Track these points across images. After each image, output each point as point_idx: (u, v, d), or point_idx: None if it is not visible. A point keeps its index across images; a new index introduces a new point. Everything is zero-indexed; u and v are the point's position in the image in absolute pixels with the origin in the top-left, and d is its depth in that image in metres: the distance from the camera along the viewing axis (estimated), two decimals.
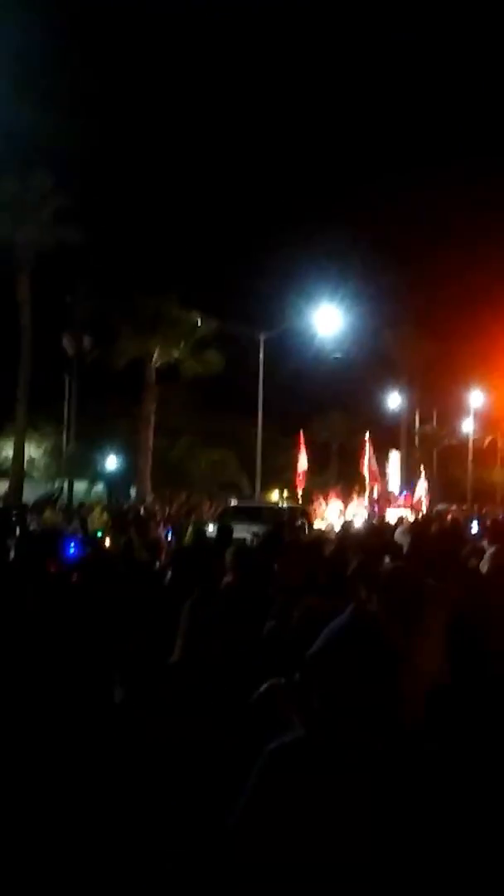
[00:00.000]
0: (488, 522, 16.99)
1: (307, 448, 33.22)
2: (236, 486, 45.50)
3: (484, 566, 8.70)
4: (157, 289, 41.44)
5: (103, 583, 7.11)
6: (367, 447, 33.36)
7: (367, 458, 32.83)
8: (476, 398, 58.27)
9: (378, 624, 2.70)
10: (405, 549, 9.27)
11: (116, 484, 43.88)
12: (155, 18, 53.57)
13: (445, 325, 52.49)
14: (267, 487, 41.23)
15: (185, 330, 42.07)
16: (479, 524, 17.38)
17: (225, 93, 69.27)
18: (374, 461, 33.78)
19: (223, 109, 70.93)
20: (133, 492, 41.70)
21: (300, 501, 31.46)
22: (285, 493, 39.12)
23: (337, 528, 22.63)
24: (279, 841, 2.40)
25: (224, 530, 14.28)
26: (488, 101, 73.83)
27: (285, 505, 33.97)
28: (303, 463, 32.75)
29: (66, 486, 31.36)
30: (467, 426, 59.94)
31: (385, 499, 34.31)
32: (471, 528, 16.70)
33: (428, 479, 45.79)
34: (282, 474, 39.98)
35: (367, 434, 33.24)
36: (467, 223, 51.84)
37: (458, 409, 59.82)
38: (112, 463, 46.30)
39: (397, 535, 12.98)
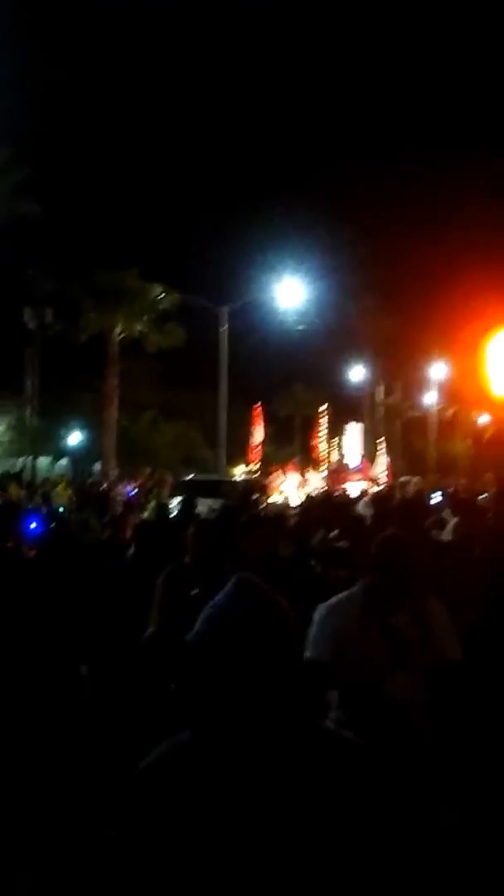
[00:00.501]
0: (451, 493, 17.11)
1: (270, 421, 33.17)
2: (201, 460, 45.40)
3: (447, 536, 8.76)
4: (119, 262, 41.11)
5: (64, 558, 7.06)
6: (323, 420, 33.36)
7: (321, 431, 32.84)
8: (439, 370, 58.43)
9: (269, 596, 2.11)
10: (368, 520, 9.28)
11: (80, 459, 43.66)
12: None
13: (409, 298, 52.29)
14: (232, 461, 41.17)
15: (147, 303, 41.76)
16: (443, 495, 17.47)
17: (186, 67, 68.52)
18: (325, 435, 33.75)
19: (184, 84, 70.28)
20: (97, 467, 41.52)
21: (257, 474, 31.29)
22: (247, 467, 39.10)
23: (294, 501, 22.62)
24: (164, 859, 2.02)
25: (187, 503, 14.27)
26: (456, 74, 73.58)
27: (242, 478, 33.86)
28: (258, 436, 32.66)
29: (29, 461, 31.21)
30: (431, 398, 60.18)
31: (340, 471, 34.35)
32: (433, 499, 16.81)
33: (391, 451, 45.97)
34: (246, 448, 39.96)
35: (325, 407, 33.15)
36: (431, 196, 51.67)
37: (422, 382, 59.99)
38: (76, 438, 46.05)
39: (360, 506, 13.01)
